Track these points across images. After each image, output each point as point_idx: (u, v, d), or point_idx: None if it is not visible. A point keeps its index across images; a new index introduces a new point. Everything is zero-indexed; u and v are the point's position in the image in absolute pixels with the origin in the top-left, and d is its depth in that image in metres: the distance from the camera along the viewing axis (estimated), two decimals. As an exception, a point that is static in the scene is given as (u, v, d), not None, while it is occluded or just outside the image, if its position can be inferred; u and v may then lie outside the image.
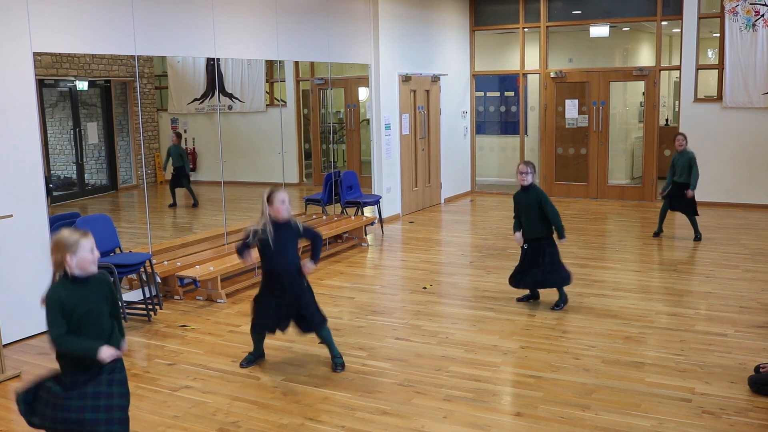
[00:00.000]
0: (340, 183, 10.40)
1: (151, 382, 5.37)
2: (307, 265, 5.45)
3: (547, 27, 13.61)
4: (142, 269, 6.91)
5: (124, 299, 6.78)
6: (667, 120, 15.82)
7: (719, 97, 12.33)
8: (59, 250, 3.58)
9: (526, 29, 13.83)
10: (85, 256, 3.60)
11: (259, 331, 5.59)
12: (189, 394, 5.14)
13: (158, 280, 7.20)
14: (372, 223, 10.39)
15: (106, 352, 3.58)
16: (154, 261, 7.28)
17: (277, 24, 9.21)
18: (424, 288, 7.78)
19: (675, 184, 9.68)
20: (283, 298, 5.35)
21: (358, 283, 8.15)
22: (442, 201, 13.48)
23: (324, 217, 10.15)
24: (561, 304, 6.88)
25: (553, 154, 13.90)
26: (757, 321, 6.43)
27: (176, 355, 5.93)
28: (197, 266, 7.57)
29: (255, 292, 7.64)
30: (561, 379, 5.26)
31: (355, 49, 10.85)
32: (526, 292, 7.16)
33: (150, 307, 6.90)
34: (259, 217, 5.30)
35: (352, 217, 10.21)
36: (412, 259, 9.23)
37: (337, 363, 5.53)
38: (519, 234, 6.90)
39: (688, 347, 5.82)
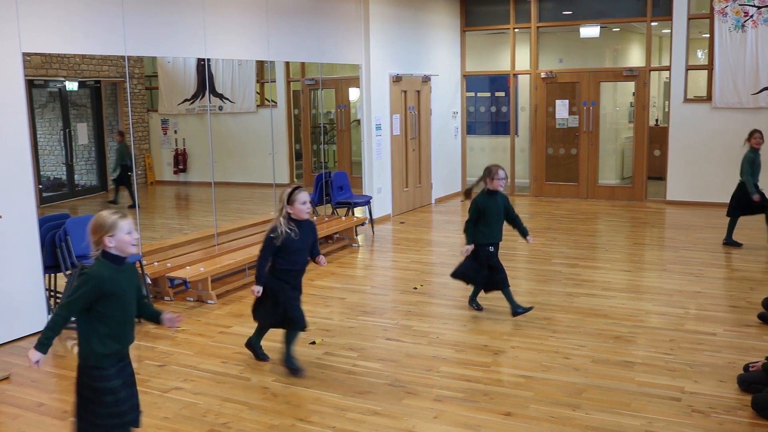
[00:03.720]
0: (331, 184, 10.40)
1: (142, 383, 5.34)
2: (321, 260, 5.54)
3: (538, 27, 13.64)
4: (132, 270, 6.88)
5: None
6: (657, 120, 15.87)
7: (709, 98, 12.38)
8: (97, 230, 3.56)
9: (516, 30, 13.86)
10: (124, 238, 3.57)
11: (301, 328, 5.49)
12: (179, 395, 5.13)
13: (148, 281, 7.18)
14: (363, 224, 10.39)
15: (33, 355, 3.55)
16: (144, 262, 7.26)
17: (267, 24, 9.20)
18: (415, 288, 7.79)
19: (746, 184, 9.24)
20: (298, 296, 5.48)
21: (349, 283, 8.15)
22: (433, 201, 13.50)
23: (315, 218, 10.14)
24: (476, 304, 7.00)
25: (544, 154, 13.93)
26: (746, 320, 6.45)
27: (166, 356, 5.91)
28: (187, 267, 7.56)
29: (246, 292, 7.68)
30: (551, 379, 5.27)
31: (345, 49, 10.85)
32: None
33: (140, 308, 6.88)
34: (277, 216, 5.25)
35: (343, 218, 10.21)
36: (403, 259, 9.23)
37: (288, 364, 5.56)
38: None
39: (677, 346, 5.84)
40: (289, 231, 5.18)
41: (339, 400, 4.98)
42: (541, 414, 4.71)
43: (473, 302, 7.00)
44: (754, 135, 9.32)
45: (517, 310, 6.60)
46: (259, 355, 5.75)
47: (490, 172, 6.59)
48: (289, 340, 5.52)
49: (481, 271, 6.67)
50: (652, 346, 5.89)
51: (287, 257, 5.29)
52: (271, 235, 5.22)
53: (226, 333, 6.45)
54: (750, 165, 9.18)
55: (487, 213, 6.60)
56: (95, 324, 3.56)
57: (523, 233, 6.79)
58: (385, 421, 4.66)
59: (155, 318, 3.91)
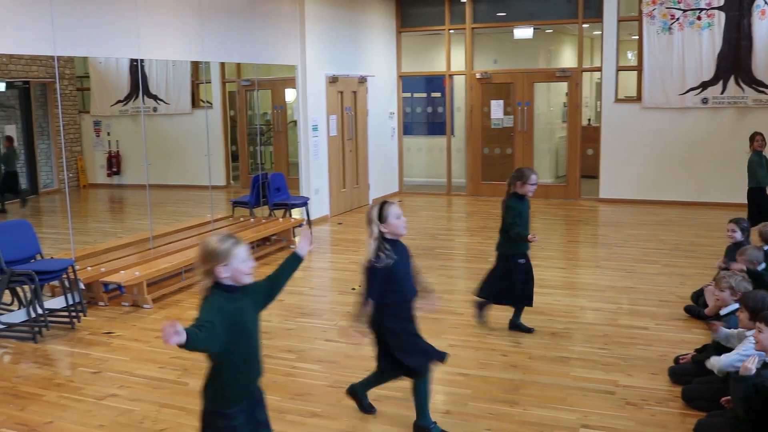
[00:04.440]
0: (268, 185, 10.32)
1: (76, 391, 5.25)
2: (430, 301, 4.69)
3: (473, 29, 13.78)
4: (65, 276, 6.74)
5: (46, 307, 6.59)
6: (589, 120, 16.19)
7: (639, 98, 12.68)
8: (209, 259, 3.17)
9: (451, 31, 13.97)
10: (240, 267, 3.20)
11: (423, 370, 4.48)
12: (115, 402, 5.04)
13: (81, 286, 7.03)
14: (300, 225, 10.35)
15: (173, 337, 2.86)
16: (77, 267, 7.10)
17: (201, 25, 9.09)
18: (353, 289, 7.77)
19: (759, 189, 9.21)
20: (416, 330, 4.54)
21: (287, 285, 8.08)
22: (371, 202, 13.52)
23: (252, 220, 10.07)
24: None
25: (480, 154, 14.08)
26: (676, 314, 6.63)
27: (101, 362, 5.80)
28: (122, 271, 7.42)
29: (182, 296, 7.58)
30: (489, 376, 5.33)
31: (281, 50, 10.79)
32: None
33: (73, 314, 6.73)
34: (371, 242, 4.40)
35: (280, 219, 10.15)
36: (341, 260, 9.23)
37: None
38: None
39: (611, 341, 5.97)
40: (383, 258, 4.33)
41: (278, 403, 4.95)
42: (480, 411, 4.76)
43: (517, 325, 6.31)
44: (756, 138, 9.26)
45: (517, 322, 6.29)
46: (366, 406, 4.78)
47: (522, 176, 6.00)
48: (418, 393, 4.50)
49: (515, 286, 6.16)
50: (587, 341, 6.01)
51: (396, 287, 4.40)
52: (376, 264, 4.33)
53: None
54: (759, 168, 9.11)
55: (524, 221, 6.08)
56: (219, 363, 3.22)
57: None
58: (325, 422, 4.66)
59: (295, 261, 3.71)
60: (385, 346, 4.44)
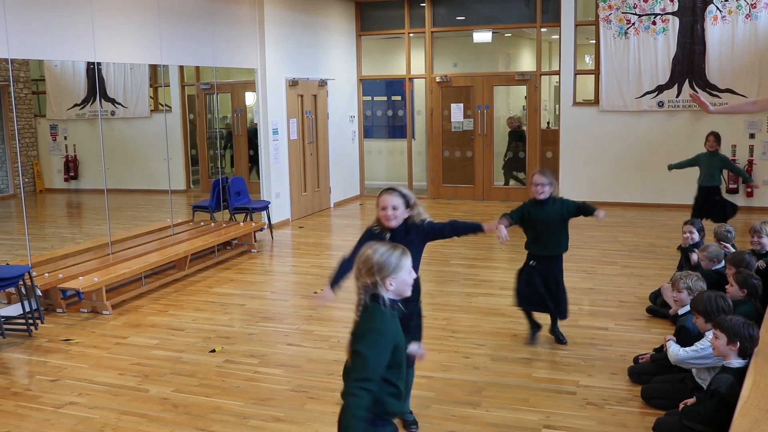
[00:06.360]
0: (228, 189, 10.26)
1: (33, 399, 5.16)
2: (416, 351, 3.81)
3: (432, 32, 13.84)
4: (21, 282, 6.61)
5: (1, 314, 6.47)
6: (548, 123, 16.33)
7: (596, 101, 12.83)
8: (380, 270, 2.91)
9: (411, 34, 14.02)
10: (407, 279, 2.97)
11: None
12: (74, 410, 4.97)
13: (39, 293, 6.91)
14: (261, 229, 10.30)
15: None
16: (33, 273, 6.98)
17: (159, 28, 9.00)
18: (315, 293, 7.77)
19: (701, 188, 9.35)
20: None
21: (249, 289, 8.06)
22: (332, 205, 13.50)
23: (212, 224, 9.99)
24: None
25: (440, 157, 14.14)
26: (635, 314, 6.72)
27: (60, 370, 5.71)
28: (80, 277, 7.31)
29: (143, 302, 7.50)
30: (452, 378, 5.35)
31: (241, 53, 10.73)
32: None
33: (30, 321, 6.61)
34: None
35: (241, 224, 10.09)
36: (303, 264, 9.20)
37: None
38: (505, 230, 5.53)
39: (572, 342, 6.02)
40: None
41: (240, 408, 4.92)
42: (443, 413, 4.78)
43: (555, 332, 6.10)
44: (708, 138, 9.36)
45: (556, 333, 6.10)
46: None
47: (531, 178, 5.87)
48: None
49: (531, 289, 5.94)
50: (548, 342, 6.06)
51: None
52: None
53: (123, 344, 6.28)
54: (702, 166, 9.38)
55: (532, 222, 6.01)
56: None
57: (591, 211, 5.89)
58: (288, 427, 4.64)
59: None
60: None
